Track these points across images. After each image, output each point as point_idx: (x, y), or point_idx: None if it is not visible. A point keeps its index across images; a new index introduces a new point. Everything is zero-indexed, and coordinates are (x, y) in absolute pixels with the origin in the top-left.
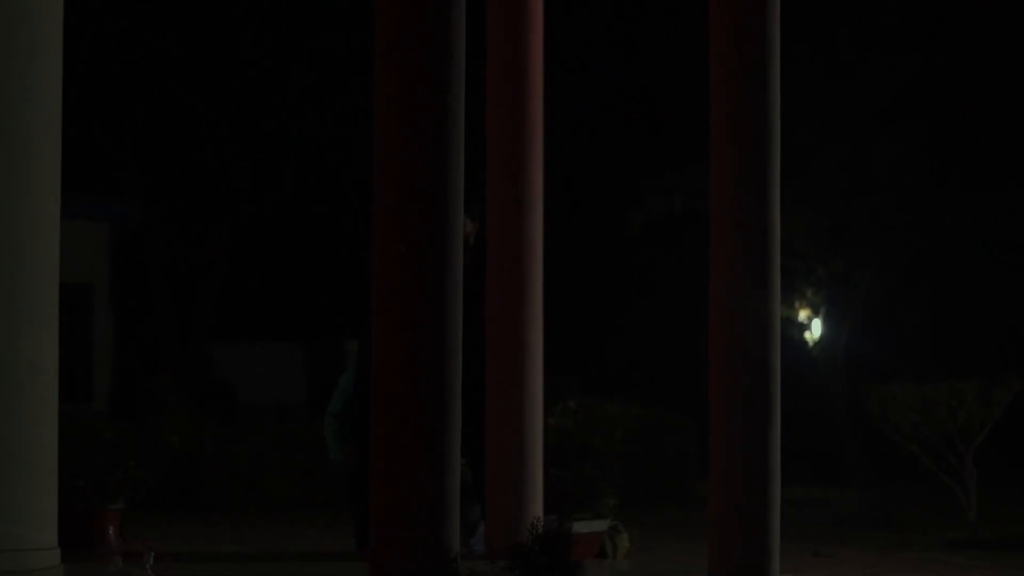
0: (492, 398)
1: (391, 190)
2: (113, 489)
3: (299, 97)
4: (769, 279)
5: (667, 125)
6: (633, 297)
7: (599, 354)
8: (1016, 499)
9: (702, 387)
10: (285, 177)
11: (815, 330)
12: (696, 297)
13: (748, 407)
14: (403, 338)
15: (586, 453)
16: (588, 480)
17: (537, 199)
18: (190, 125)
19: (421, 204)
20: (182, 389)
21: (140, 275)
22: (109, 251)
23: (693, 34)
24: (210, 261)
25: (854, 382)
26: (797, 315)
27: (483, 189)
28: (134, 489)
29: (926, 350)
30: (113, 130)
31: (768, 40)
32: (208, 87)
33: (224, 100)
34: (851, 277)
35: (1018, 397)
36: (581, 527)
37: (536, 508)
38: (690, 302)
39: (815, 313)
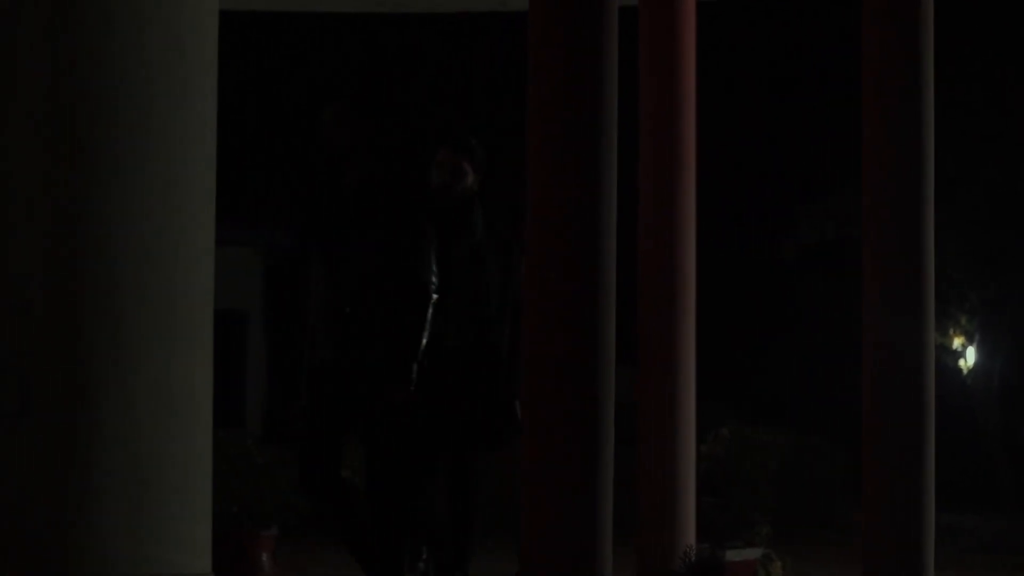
0: (644, 424)
1: (544, 211)
2: (266, 515)
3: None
4: (923, 305)
5: (820, 151)
6: (786, 323)
7: (750, 380)
8: None
9: (854, 414)
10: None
11: (969, 358)
12: (849, 324)
13: (902, 435)
14: (554, 360)
15: (738, 480)
16: (740, 508)
17: (690, 225)
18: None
19: (572, 226)
20: None
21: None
22: (263, 278)
23: (846, 58)
24: None
25: (1007, 409)
26: (951, 343)
27: (636, 215)
28: (287, 514)
29: None
30: (267, 157)
31: (922, 64)
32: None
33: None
34: (1003, 303)
35: None
36: (734, 555)
37: (688, 536)
38: (843, 329)
39: (969, 341)
